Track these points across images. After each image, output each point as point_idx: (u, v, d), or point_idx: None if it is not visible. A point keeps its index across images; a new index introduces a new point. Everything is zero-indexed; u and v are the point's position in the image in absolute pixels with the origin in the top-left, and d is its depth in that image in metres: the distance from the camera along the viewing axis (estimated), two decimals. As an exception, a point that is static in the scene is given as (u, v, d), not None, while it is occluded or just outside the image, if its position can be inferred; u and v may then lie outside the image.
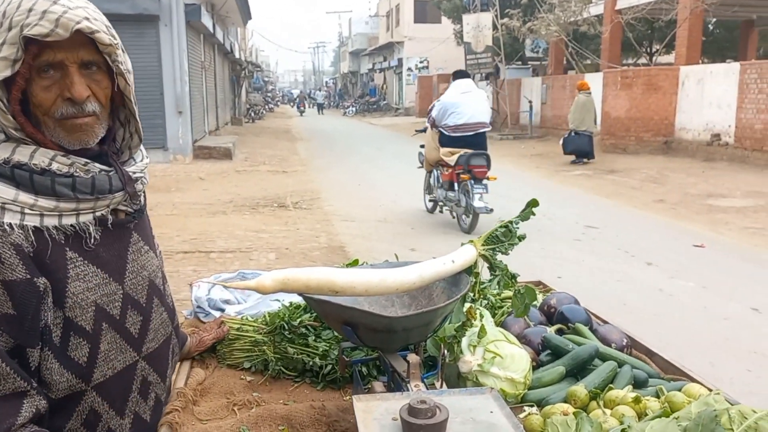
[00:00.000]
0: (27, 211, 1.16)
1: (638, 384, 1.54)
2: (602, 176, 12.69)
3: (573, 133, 14.36)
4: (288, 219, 8.60)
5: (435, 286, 1.52)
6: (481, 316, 1.61)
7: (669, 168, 13.25)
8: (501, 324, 1.80)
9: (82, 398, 1.26)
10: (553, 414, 1.34)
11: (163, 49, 13.99)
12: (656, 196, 10.38)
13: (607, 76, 16.91)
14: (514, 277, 1.61)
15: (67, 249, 1.21)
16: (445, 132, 7.85)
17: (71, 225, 1.22)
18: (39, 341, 1.18)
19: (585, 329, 1.76)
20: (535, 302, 1.61)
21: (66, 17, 1.12)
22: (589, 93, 14.57)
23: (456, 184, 7.87)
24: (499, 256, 1.57)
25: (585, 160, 14.41)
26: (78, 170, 1.22)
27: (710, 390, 1.44)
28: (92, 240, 1.25)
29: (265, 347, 1.74)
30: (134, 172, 1.34)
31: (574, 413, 1.31)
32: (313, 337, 1.74)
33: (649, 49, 24.09)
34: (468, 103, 7.73)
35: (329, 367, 1.66)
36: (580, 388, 1.45)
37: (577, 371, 1.60)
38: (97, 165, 1.25)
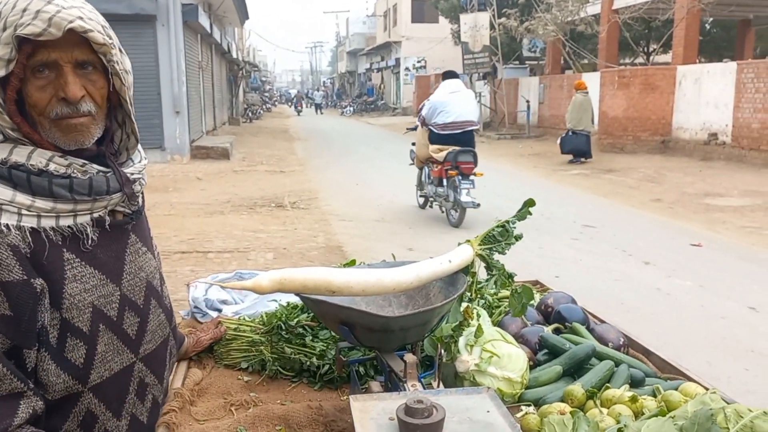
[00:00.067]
0: (24, 212, 1.16)
1: (635, 383, 1.54)
2: (599, 175, 12.71)
3: (570, 133, 14.39)
4: (286, 219, 8.60)
5: (432, 286, 1.53)
6: (478, 315, 1.61)
7: (666, 167, 13.27)
8: (498, 323, 1.80)
9: (78, 399, 1.26)
10: (550, 413, 1.34)
11: (160, 49, 13.98)
12: (653, 195, 10.39)
13: (604, 76, 16.93)
14: (511, 276, 1.61)
15: (65, 250, 1.21)
16: (434, 130, 8.18)
17: (68, 226, 1.22)
18: (36, 342, 1.18)
19: (582, 328, 1.76)
20: (532, 302, 1.60)
21: (59, 16, 1.12)
22: (587, 92, 14.60)
23: (445, 180, 8.19)
24: (496, 256, 1.57)
25: (582, 159, 14.44)
26: (75, 171, 1.21)
27: (707, 389, 1.44)
28: (89, 241, 1.25)
29: (262, 347, 1.74)
30: (132, 173, 1.33)
31: (571, 412, 1.32)
32: (311, 337, 1.74)
33: (646, 49, 24.13)
34: (456, 103, 8.06)
35: (326, 367, 1.66)
36: (577, 388, 1.45)
37: (574, 370, 1.60)
38: (94, 166, 1.25)
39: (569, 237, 7.59)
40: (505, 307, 1.91)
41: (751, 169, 12.44)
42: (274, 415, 1.43)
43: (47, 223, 1.19)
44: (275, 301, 1.92)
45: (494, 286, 1.74)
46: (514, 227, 1.60)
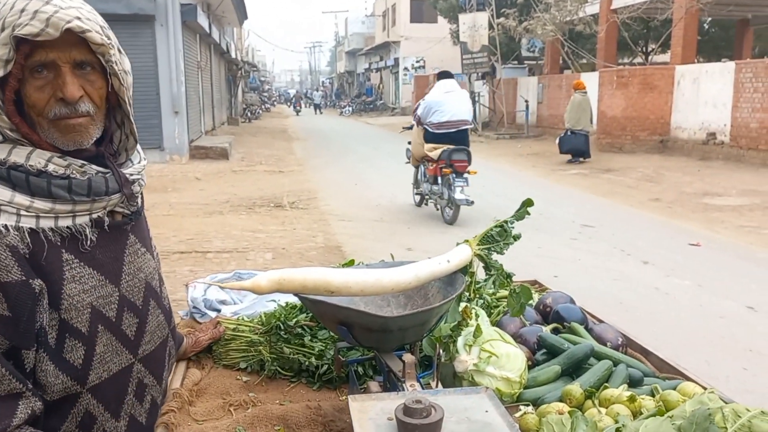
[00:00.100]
0: (23, 212, 1.16)
1: (633, 383, 1.54)
2: (598, 175, 12.71)
3: (569, 133, 14.39)
4: (285, 219, 8.59)
5: (431, 286, 1.53)
6: (477, 315, 1.62)
7: (665, 167, 13.28)
8: (497, 323, 1.80)
9: (77, 400, 1.26)
10: (549, 413, 1.34)
11: (159, 49, 13.98)
12: (652, 194, 10.40)
13: (603, 76, 16.94)
14: (509, 276, 1.61)
15: (63, 251, 1.21)
16: (429, 129, 8.34)
17: (67, 227, 1.22)
18: (34, 343, 1.17)
19: (580, 328, 1.77)
20: (530, 301, 1.60)
21: (57, 17, 1.11)
22: (585, 92, 14.60)
23: (439, 178, 8.34)
24: (495, 256, 1.57)
25: (581, 159, 14.45)
26: (74, 172, 1.21)
27: (705, 388, 1.44)
28: (88, 242, 1.25)
29: (261, 347, 1.74)
30: (131, 174, 1.33)
31: (569, 412, 1.32)
32: (309, 337, 1.74)
33: (644, 49, 24.15)
34: (451, 102, 8.21)
35: (325, 367, 1.66)
36: (576, 387, 1.45)
37: (573, 370, 1.60)
38: (93, 167, 1.25)
39: (568, 237, 7.59)
40: (503, 307, 1.91)
41: (750, 169, 12.45)
42: (272, 415, 1.43)
43: (46, 223, 1.19)
44: (274, 301, 1.92)
45: (493, 286, 1.74)
46: (513, 227, 1.60)
